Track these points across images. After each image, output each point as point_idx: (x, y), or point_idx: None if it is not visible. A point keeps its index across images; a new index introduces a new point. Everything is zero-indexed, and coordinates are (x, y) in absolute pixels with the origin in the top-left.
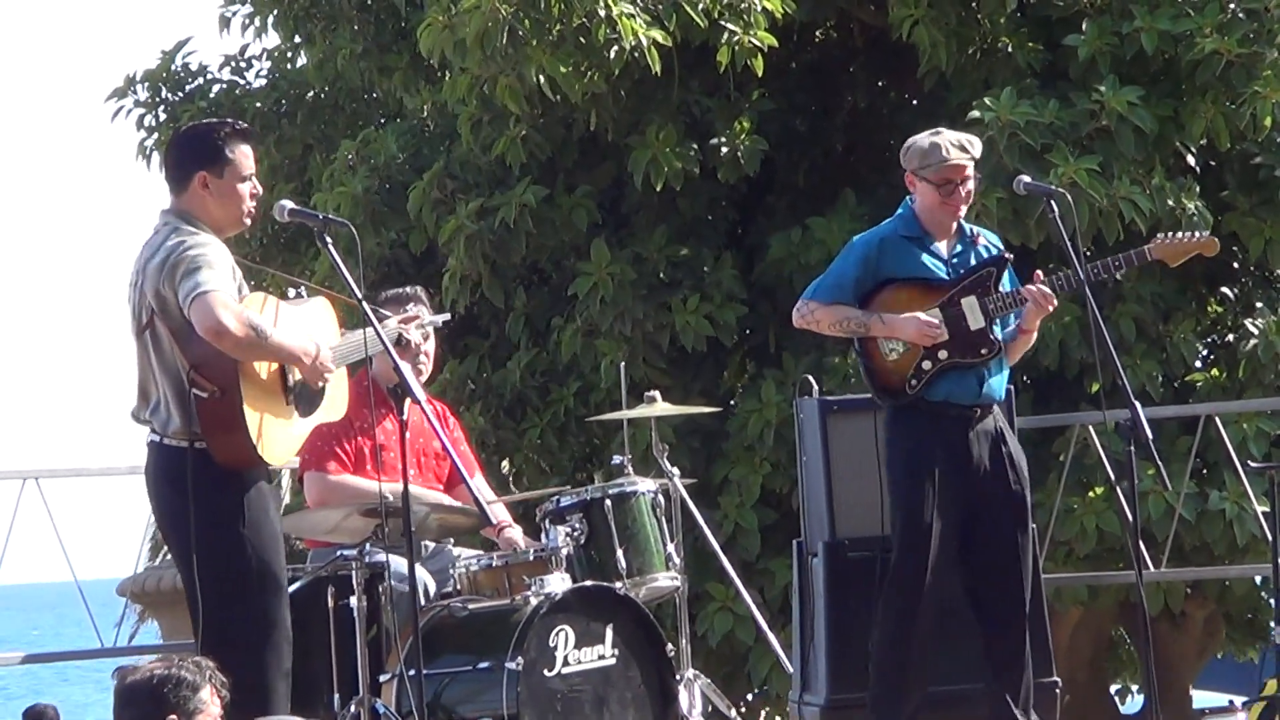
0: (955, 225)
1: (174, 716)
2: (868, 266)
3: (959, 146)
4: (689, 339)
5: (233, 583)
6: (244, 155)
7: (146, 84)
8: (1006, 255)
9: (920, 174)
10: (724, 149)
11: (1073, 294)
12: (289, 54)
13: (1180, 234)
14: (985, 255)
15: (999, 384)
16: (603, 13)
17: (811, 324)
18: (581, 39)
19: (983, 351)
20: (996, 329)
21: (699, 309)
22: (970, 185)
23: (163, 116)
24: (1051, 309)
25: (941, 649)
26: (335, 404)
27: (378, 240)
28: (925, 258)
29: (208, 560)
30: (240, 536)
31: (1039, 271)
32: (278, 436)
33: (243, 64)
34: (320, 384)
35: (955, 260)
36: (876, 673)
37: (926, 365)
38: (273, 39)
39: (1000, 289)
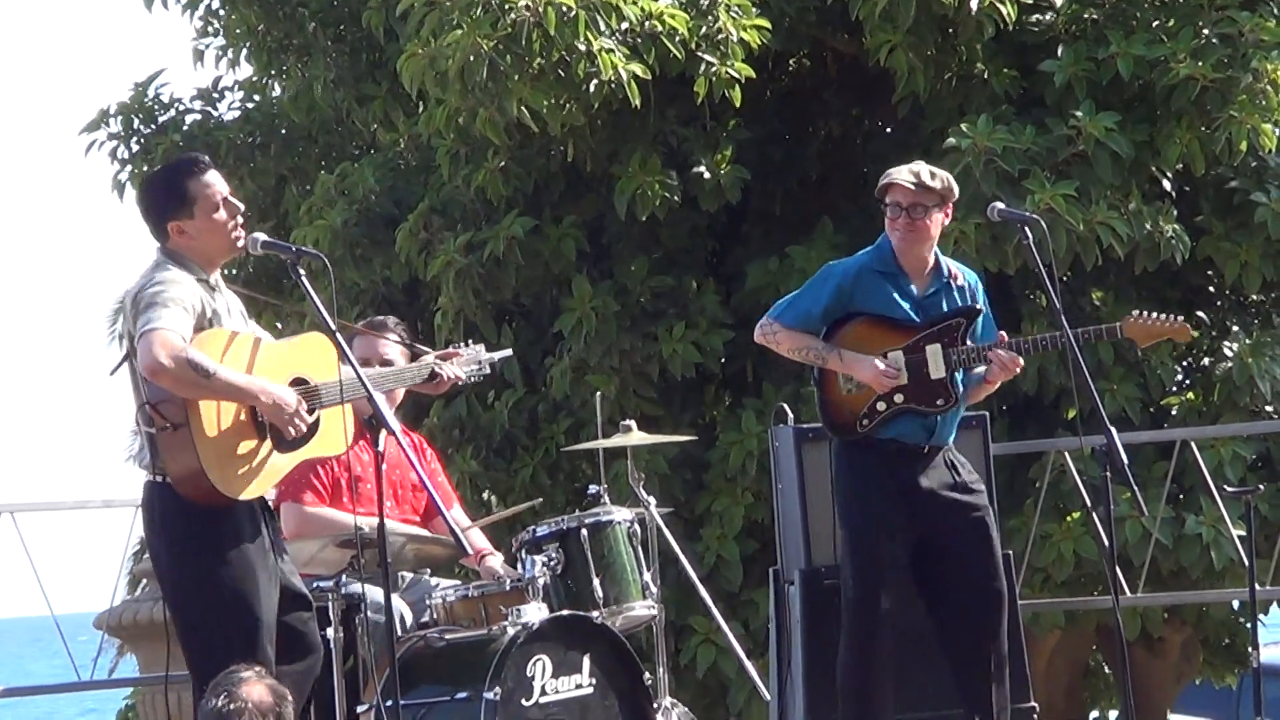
0: (931, 264)
1: None
2: (840, 297)
3: (908, 170)
4: (677, 366)
5: (202, 614)
6: (207, 186)
7: (120, 117)
8: (978, 307)
9: (880, 201)
10: (706, 175)
11: (1051, 347)
12: (262, 85)
13: (1155, 315)
14: (959, 301)
15: (950, 428)
16: (583, 47)
17: (772, 343)
18: (561, 72)
19: (939, 402)
20: (958, 379)
21: (685, 336)
22: (924, 218)
23: (136, 149)
24: (1018, 371)
25: (912, 677)
26: (332, 439)
27: (371, 278)
28: (896, 296)
29: (179, 591)
30: (210, 569)
31: (1003, 333)
32: (244, 471)
33: (215, 96)
34: (291, 429)
35: (927, 301)
36: (842, 702)
37: (881, 406)
38: (245, 71)
39: (968, 341)
